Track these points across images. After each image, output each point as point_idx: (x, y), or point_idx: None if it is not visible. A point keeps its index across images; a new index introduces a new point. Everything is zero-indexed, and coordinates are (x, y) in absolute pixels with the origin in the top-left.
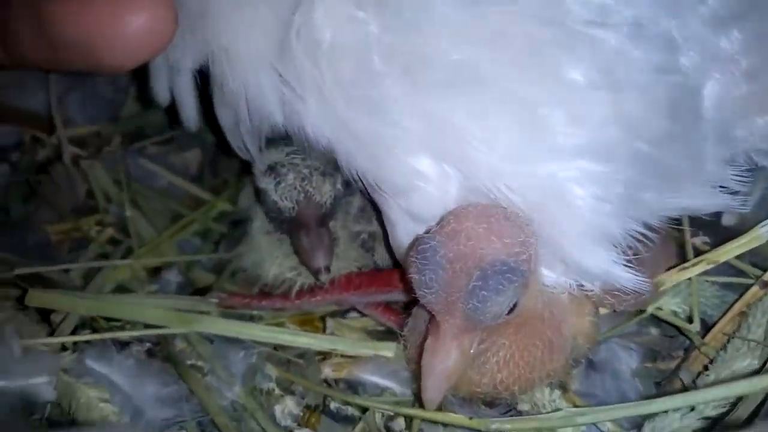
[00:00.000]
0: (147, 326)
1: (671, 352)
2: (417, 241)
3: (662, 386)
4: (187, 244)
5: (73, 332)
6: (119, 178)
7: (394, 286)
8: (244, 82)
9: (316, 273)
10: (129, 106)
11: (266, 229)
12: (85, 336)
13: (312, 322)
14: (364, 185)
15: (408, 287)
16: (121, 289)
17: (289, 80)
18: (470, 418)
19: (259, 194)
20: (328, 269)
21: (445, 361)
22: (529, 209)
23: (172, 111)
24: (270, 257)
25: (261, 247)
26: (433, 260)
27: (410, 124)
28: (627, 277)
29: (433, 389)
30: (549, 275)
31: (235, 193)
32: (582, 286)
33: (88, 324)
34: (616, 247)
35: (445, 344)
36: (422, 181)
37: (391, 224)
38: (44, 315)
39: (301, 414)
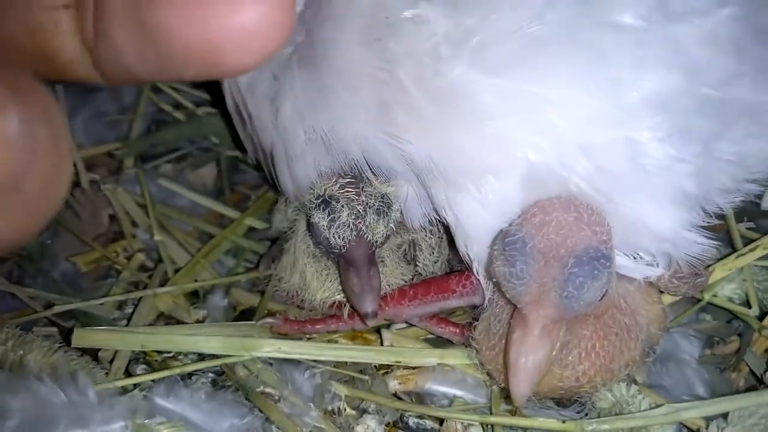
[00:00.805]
0: (202, 356)
1: (726, 338)
2: (502, 234)
3: (725, 372)
4: (220, 264)
5: (127, 369)
6: (140, 201)
7: (452, 291)
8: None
9: (363, 317)
10: (137, 125)
11: (312, 253)
12: (155, 374)
13: (362, 337)
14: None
15: (467, 291)
16: (165, 318)
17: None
18: (563, 422)
19: (309, 226)
20: (375, 314)
21: (535, 353)
22: (604, 180)
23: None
24: (316, 281)
25: (306, 271)
26: (524, 251)
27: (485, 99)
28: (699, 241)
29: (524, 383)
30: (621, 264)
31: (259, 208)
32: (649, 272)
33: (141, 359)
34: (691, 208)
35: (534, 336)
36: (497, 166)
37: (462, 219)
38: (89, 351)
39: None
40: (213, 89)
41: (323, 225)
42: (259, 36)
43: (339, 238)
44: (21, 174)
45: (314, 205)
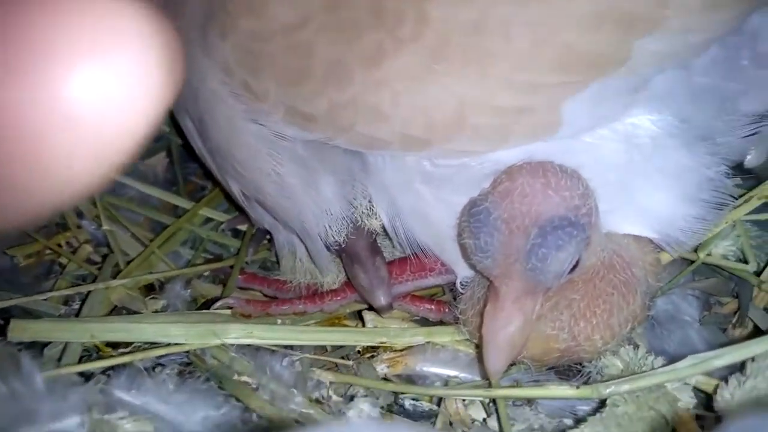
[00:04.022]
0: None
1: (721, 299)
2: (469, 204)
3: (727, 332)
4: (176, 256)
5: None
6: None
7: (430, 269)
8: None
9: (379, 310)
10: None
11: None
12: (113, 360)
13: (341, 323)
14: None
15: (446, 268)
16: (118, 311)
17: None
18: (577, 387)
19: None
20: (390, 306)
21: (506, 326)
22: (592, 155)
23: None
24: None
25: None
26: (488, 222)
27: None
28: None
29: (496, 357)
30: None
31: (216, 197)
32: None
33: (93, 355)
34: (686, 189)
35: (505, 309)
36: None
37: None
38: (32, 349)
39: (380, 416)
40: None
41: None
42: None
43: (335, 235)
44: None
45: None
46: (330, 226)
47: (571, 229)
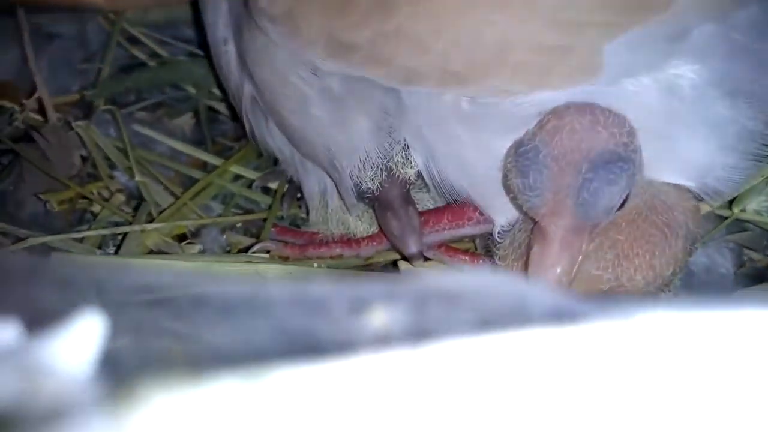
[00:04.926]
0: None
1: (752, 255)
2: (515, 144)
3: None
4: (208, 209)
5: None
6: (116, 144)
7: (468, 218)
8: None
9: (410, 258)
10: (106, 70)
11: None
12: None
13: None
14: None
15: (485, 217)
16: (154, 255)
17: None
18: None
19: None
20: (421, 254)
21: (554, 267)
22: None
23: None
24: (360, 223)
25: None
26: (536, 160)
27: None
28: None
29: None
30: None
31: (246, 155)
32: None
33: None
34: (726, 139)
35: (553, 249)
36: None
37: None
38: None
39: None
40: (192, 35)
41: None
42: None
43: (369, 181)
44: None
45: None
46: (364, 169)
47: (622, 163)
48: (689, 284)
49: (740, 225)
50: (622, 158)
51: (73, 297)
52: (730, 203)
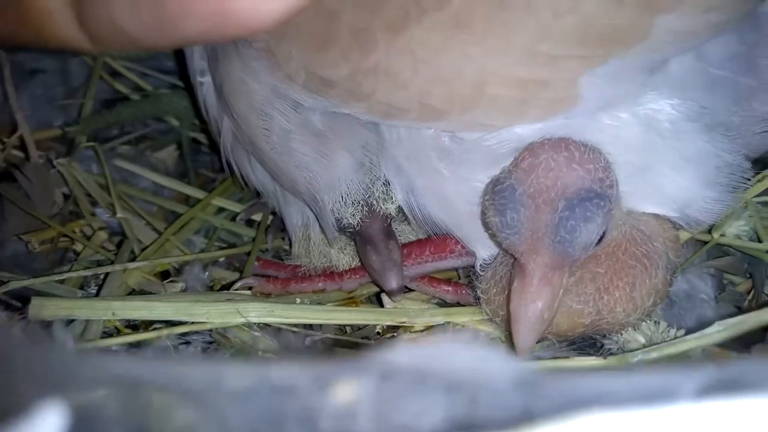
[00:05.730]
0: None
1: (734, 279)
2: (492, 182)
3: (742, 310)
4: (191, 244)
5: None
6: (97, 180)
7: (450, 251)
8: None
9: (389, 294)
10: (88, 105)
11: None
12: (139, 335)
13: (356, 305)
14: None
15: (467, 250)
16: (136, 294)
17: None
18: (604, 358)
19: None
20: (401, 290)
21: (535, 302)
22: (612, 136)
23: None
24: (342, 255)
25: (327, 253)
26: (513, 198)
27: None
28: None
29: (527, 334)
30: (633, 202)
31: (229, 188)
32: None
33: (115, 335)
34: (706, 173)
35: (533, 285)
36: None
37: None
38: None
39: None
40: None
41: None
42: None
43: (350, 217)
44: None
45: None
46: (345, 204)
47: (597, 200)
48: (670, 311)
49: (720, 250)
50: (599, 195)
51: (36, 388)
52: (710, 228)
